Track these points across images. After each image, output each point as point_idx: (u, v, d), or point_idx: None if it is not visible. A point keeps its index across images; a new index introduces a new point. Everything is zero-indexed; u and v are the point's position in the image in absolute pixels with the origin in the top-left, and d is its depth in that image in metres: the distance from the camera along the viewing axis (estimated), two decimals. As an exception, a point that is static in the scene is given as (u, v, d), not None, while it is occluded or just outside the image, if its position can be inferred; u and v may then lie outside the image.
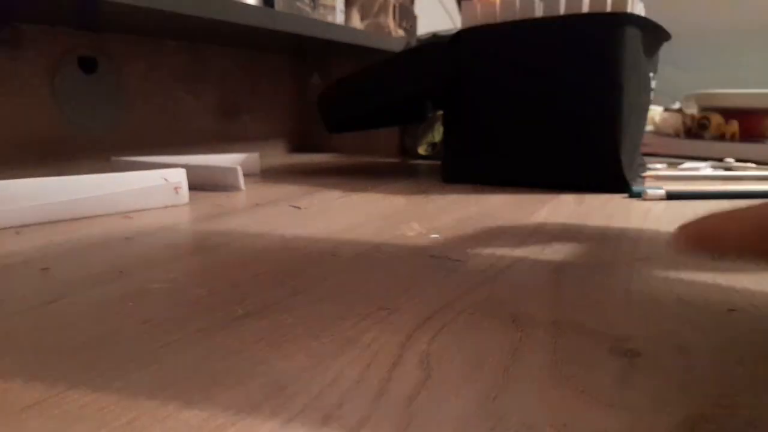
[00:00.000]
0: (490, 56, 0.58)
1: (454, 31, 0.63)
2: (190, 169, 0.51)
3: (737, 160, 0.77)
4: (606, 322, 0.22)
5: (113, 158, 0.64)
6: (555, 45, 0.54)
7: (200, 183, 0.57)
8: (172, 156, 0.69)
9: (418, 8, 1.21)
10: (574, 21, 0.54)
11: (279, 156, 1.01)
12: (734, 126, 0.83)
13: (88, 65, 0.76)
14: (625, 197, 0.51)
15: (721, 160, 0.77)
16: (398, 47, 0.94)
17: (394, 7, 1.06)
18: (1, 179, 0.39)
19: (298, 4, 0.82)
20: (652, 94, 0.64)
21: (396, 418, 0.15)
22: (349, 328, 0.21)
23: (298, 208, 0.46)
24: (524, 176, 0.58)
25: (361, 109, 0.68)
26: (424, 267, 0.29)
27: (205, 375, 0.17)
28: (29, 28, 0.69)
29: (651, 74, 0.61)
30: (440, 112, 0.82)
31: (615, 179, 0.54)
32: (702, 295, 0.25)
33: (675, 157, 0.83)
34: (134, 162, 0.61)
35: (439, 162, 0.67)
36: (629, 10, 0.52)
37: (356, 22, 1.00)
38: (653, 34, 0.58)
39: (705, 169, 0.71)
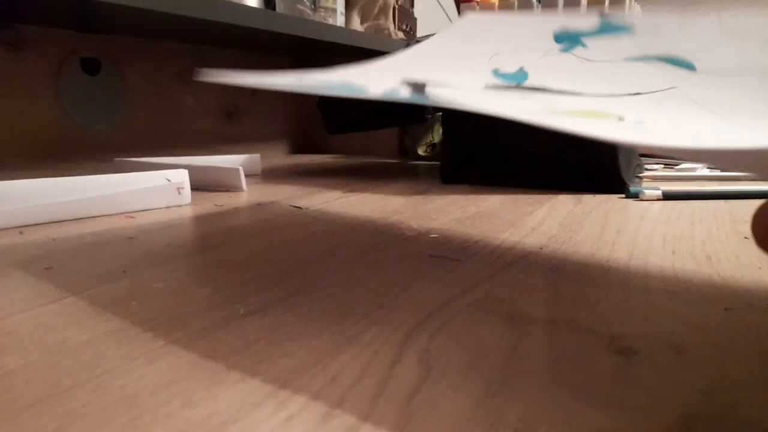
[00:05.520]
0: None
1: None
2: (192, 170, 0.51)
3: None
4: (603, 320, 0.22)
5: (116, 159, 0.64)
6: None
7: (202, 183, 0.57)
8: (175, 157, 0.70)
9: (418, 11, 1.22)
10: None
11: (280, 157, 1.01)
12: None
13: (91, 67, 0.76)
14: (622, 198, 0.52)
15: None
16: (398, 49, 0.95)
17: (394, 9, 1.07)
18: (5, 180, 0.39)
19: (299, 6, 0.83)
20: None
21: (396, 416, 0.15)
22: (350, 327, 0.21)
23: (299, 208, 0.47)
24: (522, 177, 0.58)
25: (361, 110, 0.68)
26: (423, 266, 0.29)
27: (207, 373, 0.18)
28: (32, 29, 0.70)
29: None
30: (439, 113, 0.82)
31: (612, 180, 0.54)
32: (698, 293, 0.25)
33: (672, 158, 0.83)
34: (137, 163, 0.61)
35: (438, 163, 0.67)
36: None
37: (356, 24, 1.01)
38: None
39: (701, 169, 0.71)
